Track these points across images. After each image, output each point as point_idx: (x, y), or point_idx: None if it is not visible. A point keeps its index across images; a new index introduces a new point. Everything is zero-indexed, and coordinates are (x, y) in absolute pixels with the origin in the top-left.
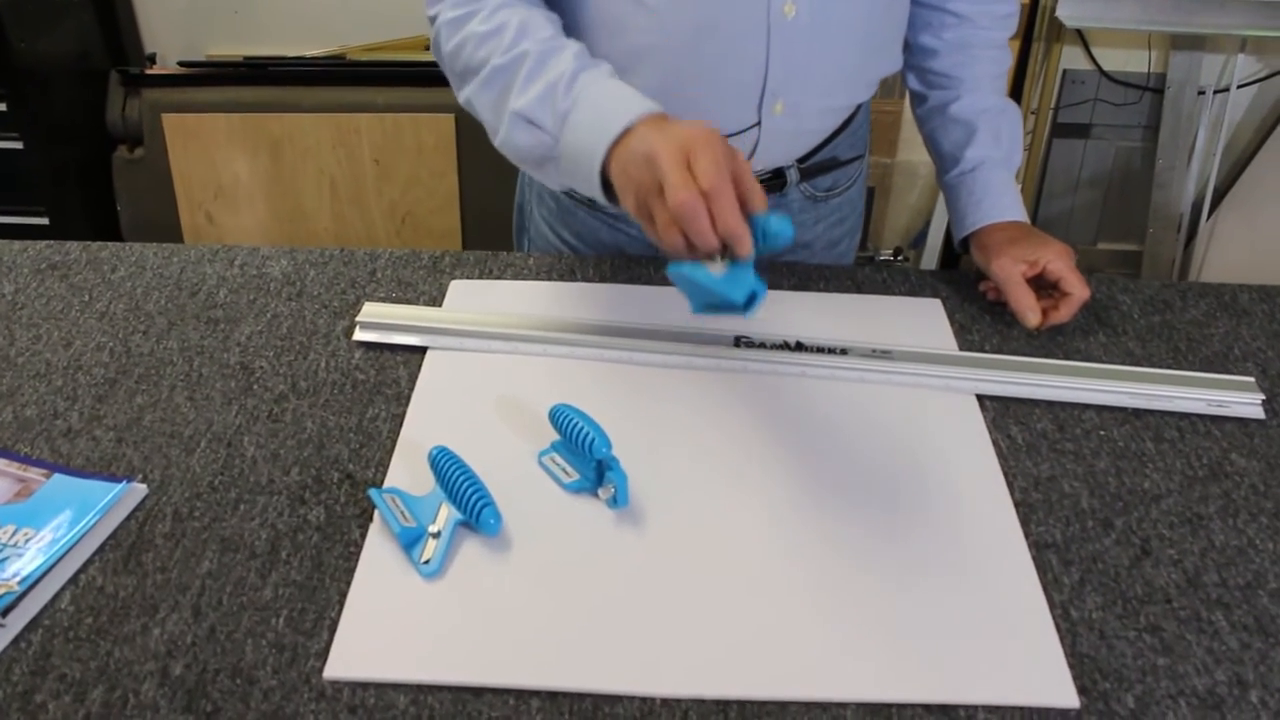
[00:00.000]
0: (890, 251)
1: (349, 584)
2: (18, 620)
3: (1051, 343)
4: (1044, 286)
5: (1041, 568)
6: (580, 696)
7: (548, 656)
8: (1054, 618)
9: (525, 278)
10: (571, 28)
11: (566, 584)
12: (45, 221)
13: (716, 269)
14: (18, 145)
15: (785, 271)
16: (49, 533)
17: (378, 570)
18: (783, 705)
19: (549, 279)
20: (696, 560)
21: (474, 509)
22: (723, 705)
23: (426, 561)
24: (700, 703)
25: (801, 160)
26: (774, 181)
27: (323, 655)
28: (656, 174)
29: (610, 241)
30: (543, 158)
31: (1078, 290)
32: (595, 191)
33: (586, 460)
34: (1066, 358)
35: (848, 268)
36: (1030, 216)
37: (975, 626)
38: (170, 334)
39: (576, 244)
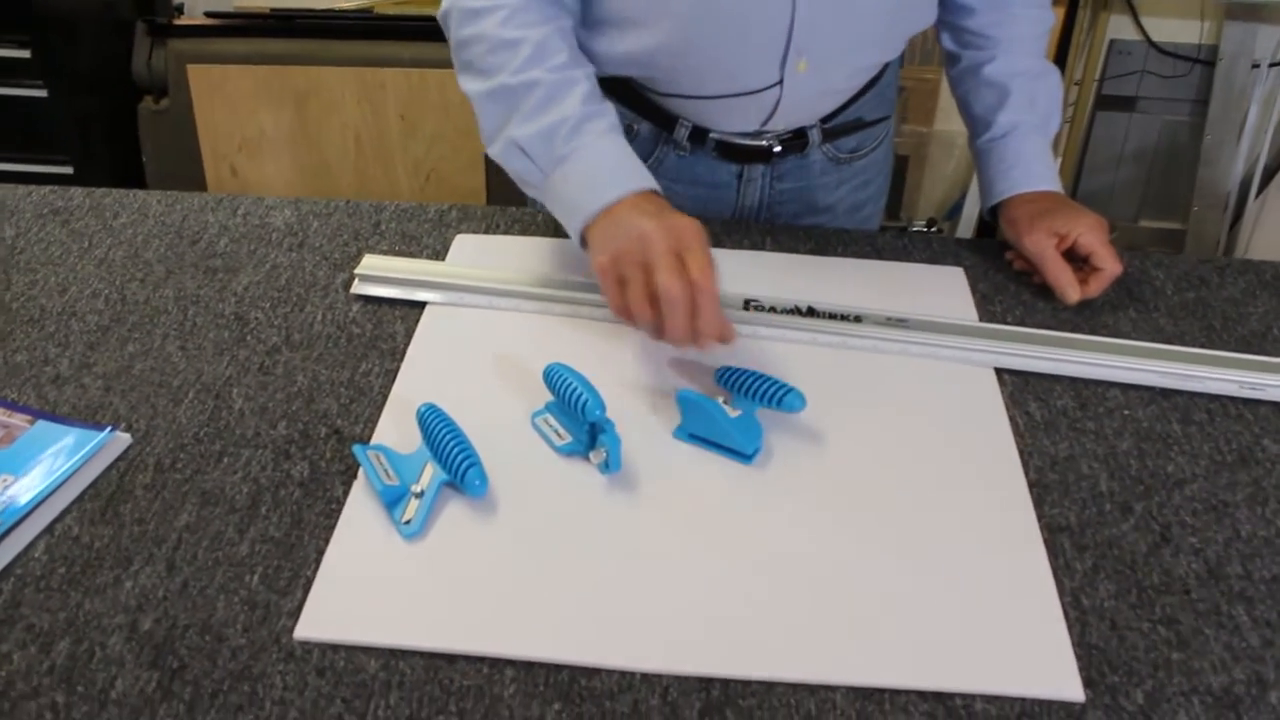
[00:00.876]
0: (924, 223)
1: (328, 542)
2: None
3: (1078, 316)
4: (1074, 259)
5: (1053, 551)
6: (557, 668)
7: (526, 625)
8: (1063, 605)
9: (534, 234)
10: None
11: (551, 550)
12: (70, 171)
13: (730, 409)
14: (42, 94)
15: (802, 235)
16: (28, 480)
17: (357, 529)
18: (769, 685)
19: (558, 236)
20: (688, 531)
21: (459, 469)
22: (705, 683)
23: (407, 521)
24: (682, 679)
25: (825, 120)
26: (795, 142)
27: (295, 615)
28: (647, 254)
29: None
30: (527, 183)
31: (1110, 265)
32: (572, 236)
33: (579, 423)
34: (1093, 333)
35: (867, 232)
36: (1069, 191)
37: (978, 611)
38: (167, 282)
39: None
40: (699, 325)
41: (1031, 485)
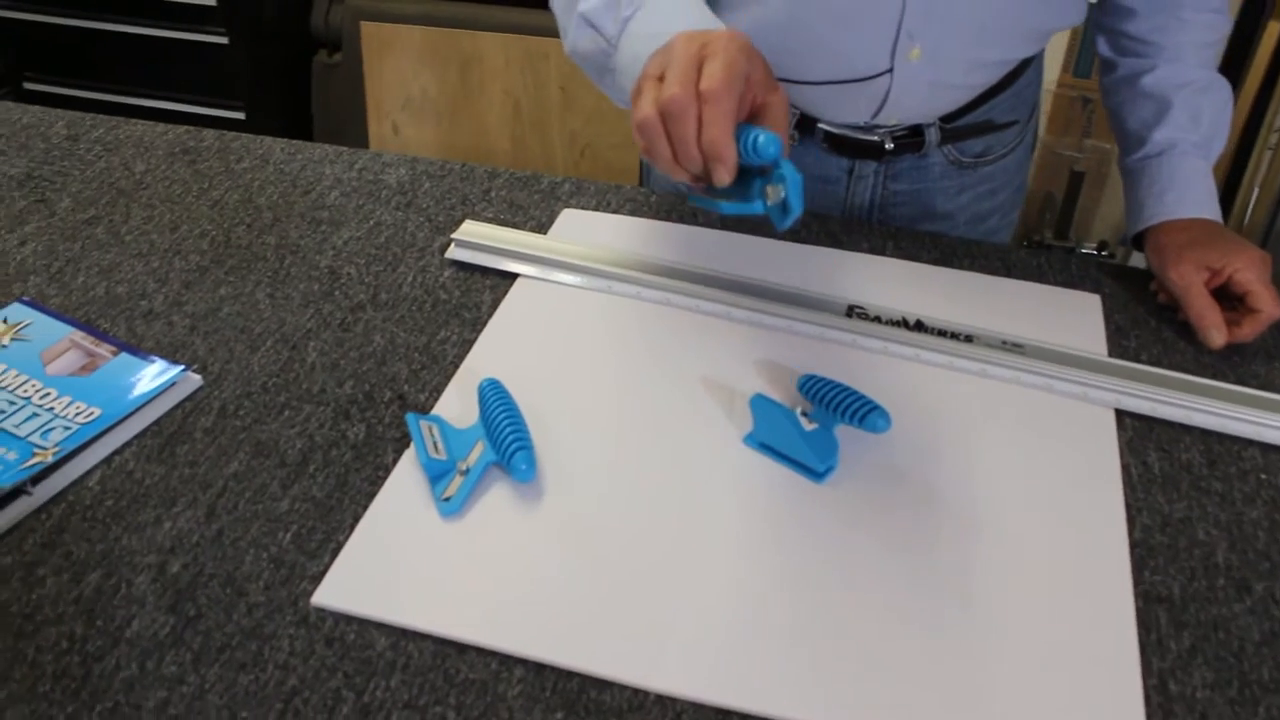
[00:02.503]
0: (1095, 245)
1: (367, 509)
2: (45, 491)
3: (1224, 362)
4: (1226, 298)
5: (1145, 624)
6: (569, 675)
7: (544, 625)
8: (1145, 687)
9: (643, 215)
10: None
11: (587, 550)
12: (242, 117)
13: (807, 422)
14: (223, 40)
15: (928, 243)
16: (100, 409)
17: (397, 501)
18: None
19: (666, 219)
20: (736, 548)
21: (507, 451)
22: (723, 714)
23: (447, 499)
24: (698, 707)
25: (946, 120)
26: (911, 140)
27: (318, 579)
28: (666, 64)
29: None
30: (602, 66)
31: (1268, 307)
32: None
33: (742, 180)
34: (1239, 382)
35: (998, 246)
36: (1266, 228)
37: (1043, 679)
38: (272, 229)
39: None
40: (703, 139)
41: (1134, 546)
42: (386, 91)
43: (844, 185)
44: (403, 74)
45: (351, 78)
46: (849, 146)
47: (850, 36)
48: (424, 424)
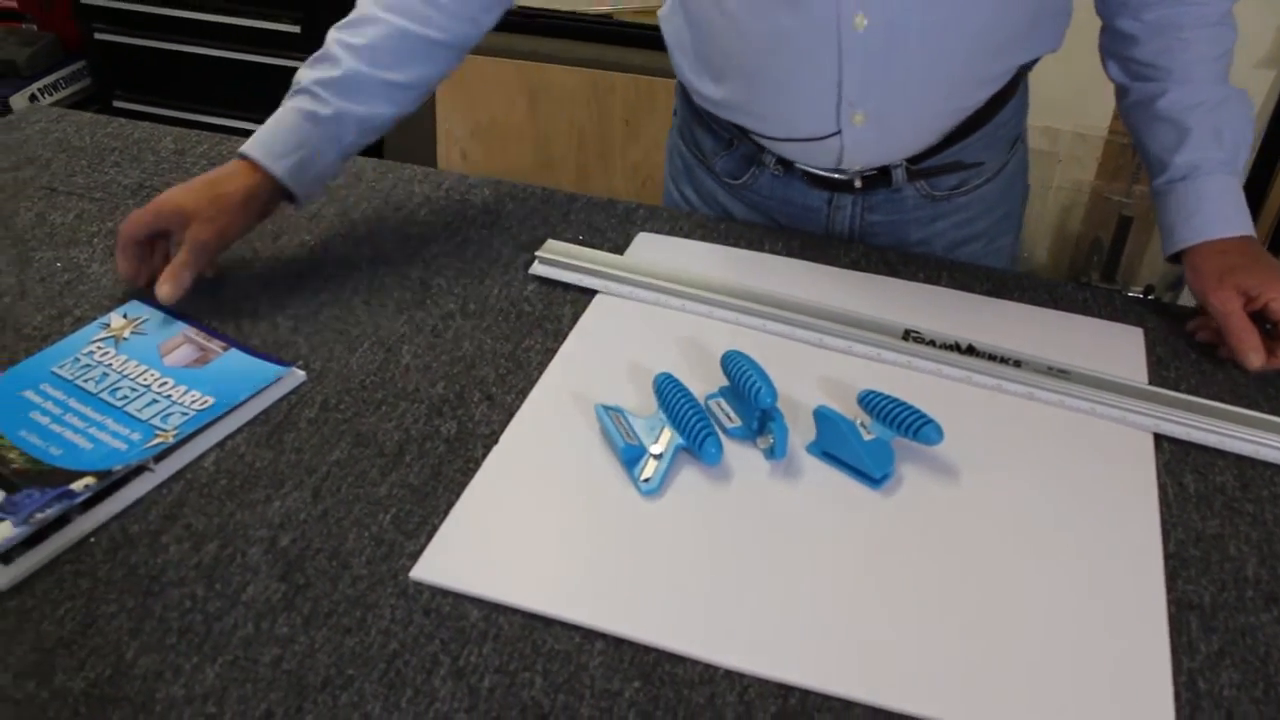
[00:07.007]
0: (1141, 290)
1: (459, 496)
2: (166, 469)
3: (1259, 391)
4: (1261, 323)
5: (1177, 629)
6: (646, 649)
7: (623, 601)
8: (1176, 685)
9: (714, 240)
10: (687, 24)
11: (660, 536)
12: None
13: (866, 433)
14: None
15: (980, 275)
16: (213, 398)
17: (489, 489)
18: (847, 705)
19: (735, 245)
20: (800, 542)
21: (698, 436)
22: (784, 690)
23: (646, 480)
24: (762, 682)
25: (914, 160)
26: (880, 178)
27: (415, 557)
28: None
29: (727, 205)
30: None
31: None
32: None
33: (751, 408)
34: (1274, 413)
35: (1046, 281)
36: None
37: (1080, 674)
38: (366, 242)
39: (697, 202)
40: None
41: (1168, 558)
42: (457, 118)
43: (824, 214)
44: (473, 102)
45: (424, 104)
46: (824, 182)
47: (795, 106)
48: (612, 414)
